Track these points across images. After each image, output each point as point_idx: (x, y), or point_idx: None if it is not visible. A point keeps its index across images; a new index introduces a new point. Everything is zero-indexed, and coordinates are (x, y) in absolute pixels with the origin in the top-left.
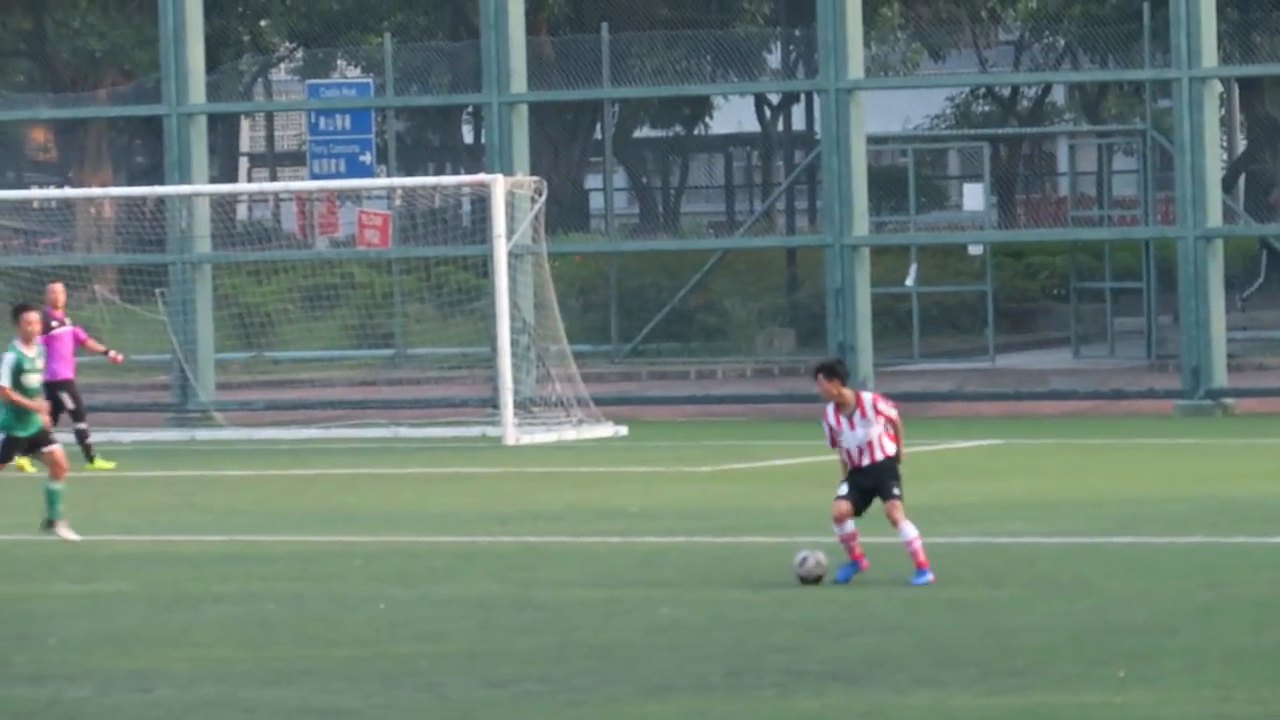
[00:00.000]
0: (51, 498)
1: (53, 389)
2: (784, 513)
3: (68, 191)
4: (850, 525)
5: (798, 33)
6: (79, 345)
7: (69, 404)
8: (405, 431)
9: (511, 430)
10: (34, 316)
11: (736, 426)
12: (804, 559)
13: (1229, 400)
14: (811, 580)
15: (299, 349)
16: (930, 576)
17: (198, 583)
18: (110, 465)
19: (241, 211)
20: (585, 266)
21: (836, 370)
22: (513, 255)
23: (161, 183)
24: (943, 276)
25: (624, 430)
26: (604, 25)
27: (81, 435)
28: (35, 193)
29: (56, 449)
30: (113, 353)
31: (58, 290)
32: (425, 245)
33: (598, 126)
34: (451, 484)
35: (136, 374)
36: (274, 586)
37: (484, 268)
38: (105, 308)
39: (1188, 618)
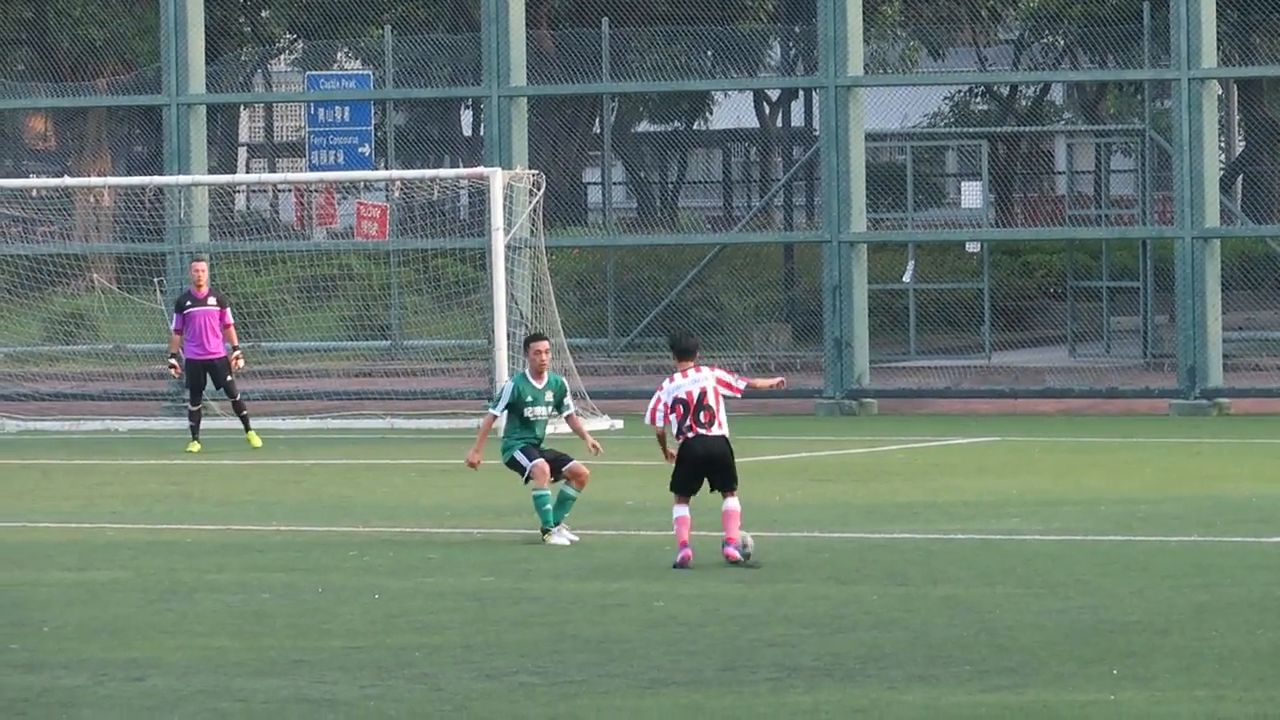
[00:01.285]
0: (563, 501)
1: (200, 367)
2: (778, 508)
3: (67, 180)
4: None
5: (798, 29)
6: (224, 328)
7: (217, 381)
8: (401, 423)
9: None
10: (545, 345)
11: (731, 421)
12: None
13: (1224, 400)
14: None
15: (296, 339)
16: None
17: (193, 572)
18: (258, 443)
19: (240, 202)
20: (583, 260)
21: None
22: (510, 248)
23: (160, 172)
24: (940, 274)
25: (620, 424)
26: (605, 20)
27: (238, 409)
28: (34, 181)
29: (578, 463)
30: (238, 355)
31: (201, 269)
32: (423, 237)
33: (597, 121)
34: (447, 475)
35: (133, 363)
36: (269, 576)
37: (481, 260)
38: (103, 296)
39: (1182, 617)
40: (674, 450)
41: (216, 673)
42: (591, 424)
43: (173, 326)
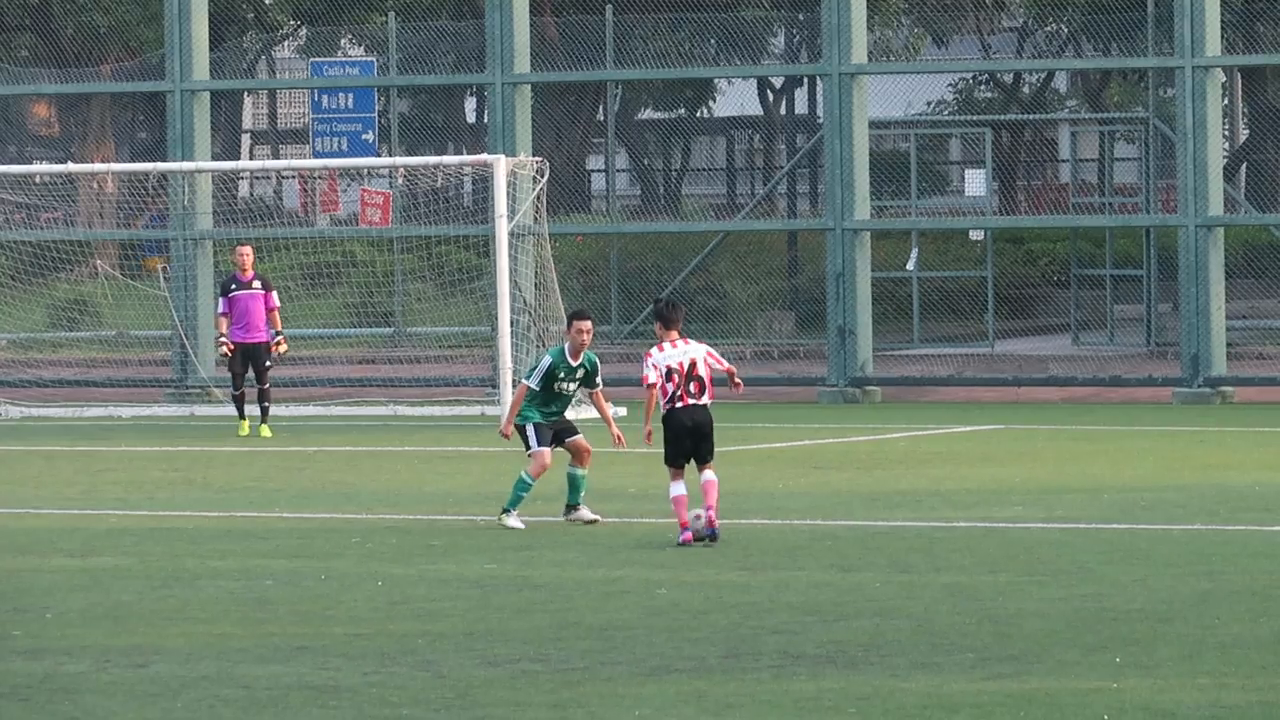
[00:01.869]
0: (574, 482)
1: (242, 351)
2: (782, 496)
3: (70, 166)
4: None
5: (801, 16)
6: (268, 312)
7: (255, 365)
8: (404, 410)
9: None
10: (588, 326)
11: (735, 409)
12: (697, 516)
13: (1228, 388)
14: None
15: (299, 327)
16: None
17: (196, 559)
18: (270, 434)
19: (243, 188)
20: (586, 247)
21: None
22: (514, 235)
23: (164, 159)
24: (943, 262)
25: (623, 411)
26: (608, 7)
27: (262, 396)
28: (38, 167)
29: (580, 438)
30: (280, 339)
31: (246, 253)
32: (426, 224)
33: (600, 108)
34: (450, 463)
35: (136, 349)
36: (272, 563)
37: (485, 247)
38: (106, 282)
39: (1185, 605)
40: (654, 426)
41: (219, 659)
42: (594, 411)
43: (219, 310)
